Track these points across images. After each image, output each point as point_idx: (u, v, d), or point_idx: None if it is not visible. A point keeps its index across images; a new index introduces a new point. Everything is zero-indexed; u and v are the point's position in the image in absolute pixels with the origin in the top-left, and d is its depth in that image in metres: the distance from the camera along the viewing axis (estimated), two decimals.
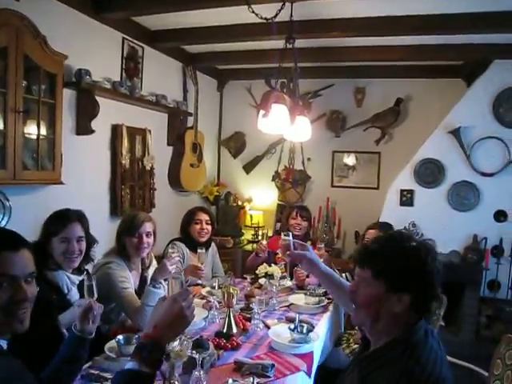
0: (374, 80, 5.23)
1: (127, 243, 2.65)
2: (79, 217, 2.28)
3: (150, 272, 2.75)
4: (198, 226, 3.37)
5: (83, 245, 2.26)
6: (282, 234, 2.23)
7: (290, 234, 2.20)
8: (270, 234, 4.49)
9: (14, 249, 1.23)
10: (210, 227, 3.43)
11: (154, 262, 2.89)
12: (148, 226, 2.69)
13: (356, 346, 2.87)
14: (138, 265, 2.77)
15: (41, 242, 2.17)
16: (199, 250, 3.04)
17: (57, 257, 2.20)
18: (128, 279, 2.56)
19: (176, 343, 1.73)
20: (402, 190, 4.67)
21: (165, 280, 2.46)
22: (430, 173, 4.57)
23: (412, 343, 1.28)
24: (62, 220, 2.22)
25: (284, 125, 2.78)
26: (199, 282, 3.21)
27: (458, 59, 4.60)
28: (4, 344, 1.25)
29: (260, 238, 4.21)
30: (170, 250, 2.67)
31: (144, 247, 2.66)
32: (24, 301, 1.23)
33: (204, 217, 3.42)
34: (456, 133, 4.39)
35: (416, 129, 4.95)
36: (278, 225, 5.27)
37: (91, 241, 2.35)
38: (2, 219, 2.82)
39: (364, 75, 5.19)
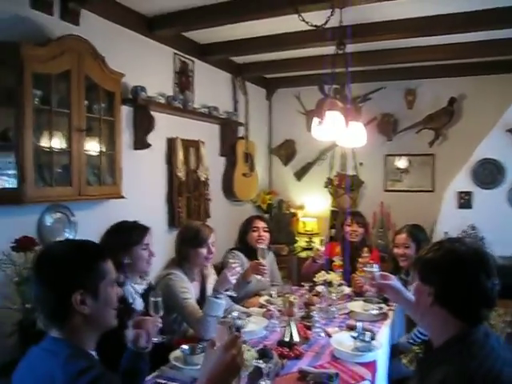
0: (424, 80, 5.12)
1: (192, 254, 2.70)
2: (148, 227, 2.43)
3: (209, 281, 2.83)
4: (255, 234, 3.39)
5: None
6: (368, 265, 2.45)
7: (375, 265, 2.39)
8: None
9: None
10: (267, 234, 3.43)
11: (213, 271, 2.95)
12: (213, 237, 2.78)
13: (413, 354, 2.81)
14: (199, 275, 2.83)
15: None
16: (260, 246, 3.05)
17: (140, 264, 2.34)
18: (189, 290, 2.61)
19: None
20: (459, 192, 4.53)
21: (225, 290, 2.50)
22: (489, 173, 4.42)
23: (469, 342, 1.27)
24: (142, 230, 2.38)
25: (339, 131, 2.77)
26: (262, 278, 3.12)
27: None
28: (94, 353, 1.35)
29: (316, 244, 4.20)
30: (230, 260, 2.70)
31: (211, 257, 2.76)
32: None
33: (261, 224, 3.44)
34: None
35: (472, 128, 4.79)
36: (333, 231, 5.23)
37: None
38: (70, 233, 2.95)
39: (414, 76, 5.10)
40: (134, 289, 2.35)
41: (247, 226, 3.45)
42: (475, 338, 1.28)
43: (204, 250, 2.70)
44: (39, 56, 2.56)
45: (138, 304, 2.34)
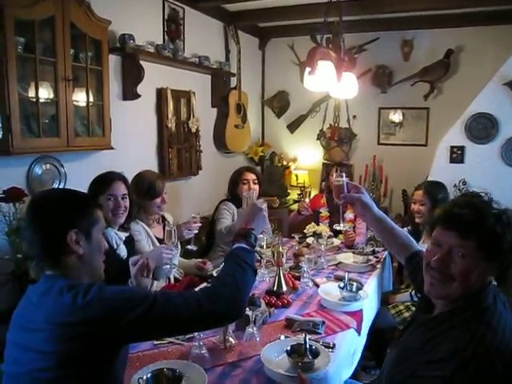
0: (421, 31, 4.98)
1: (147, 204, 2.76)
2: (121, 177, 2.46)
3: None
4: (245, 186, 3.36)
5: (127, 202, 2.44)
6: (335, 174, 2.05)
7: (344, 174, 1.97)
8: (315, 192, 4.51)
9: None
10: (257, 187, 3.41)
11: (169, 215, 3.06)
12: (164, 187, 2.83)
13: (402, 307, 2.88)
14: (158, 220, 2.92)
15: None
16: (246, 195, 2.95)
17: (105, 214, 2.33)
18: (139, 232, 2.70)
19: None
20: (452, 147, 4.49)
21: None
22: (483, 128, 4.36)
23: (481, 308, 1.28)
24: (107, 180, 2.40)
25: (330, 82, 2.72)
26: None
27: None
28: None
29: (302, 196, 4.22)
30: (192, 215, 2.80)
31: (164, 206, 2.83)
32: None
33: (251, 176, 3.41)
34: None
35: (468, 82, 4.71)
36: (324, 184, 5.24)
37: (132, 200, 2.52)
38: (59, 185, 2.95)
39: (411, 27, 4.95)
40: (118, 235, 2.42)
41: (237, 178, 3.42)
42: (487, 304, 1.28)
43: (158, 200, 2.77)
44: (21, 1, 2.45)
45: (122, 250, 2.42)
